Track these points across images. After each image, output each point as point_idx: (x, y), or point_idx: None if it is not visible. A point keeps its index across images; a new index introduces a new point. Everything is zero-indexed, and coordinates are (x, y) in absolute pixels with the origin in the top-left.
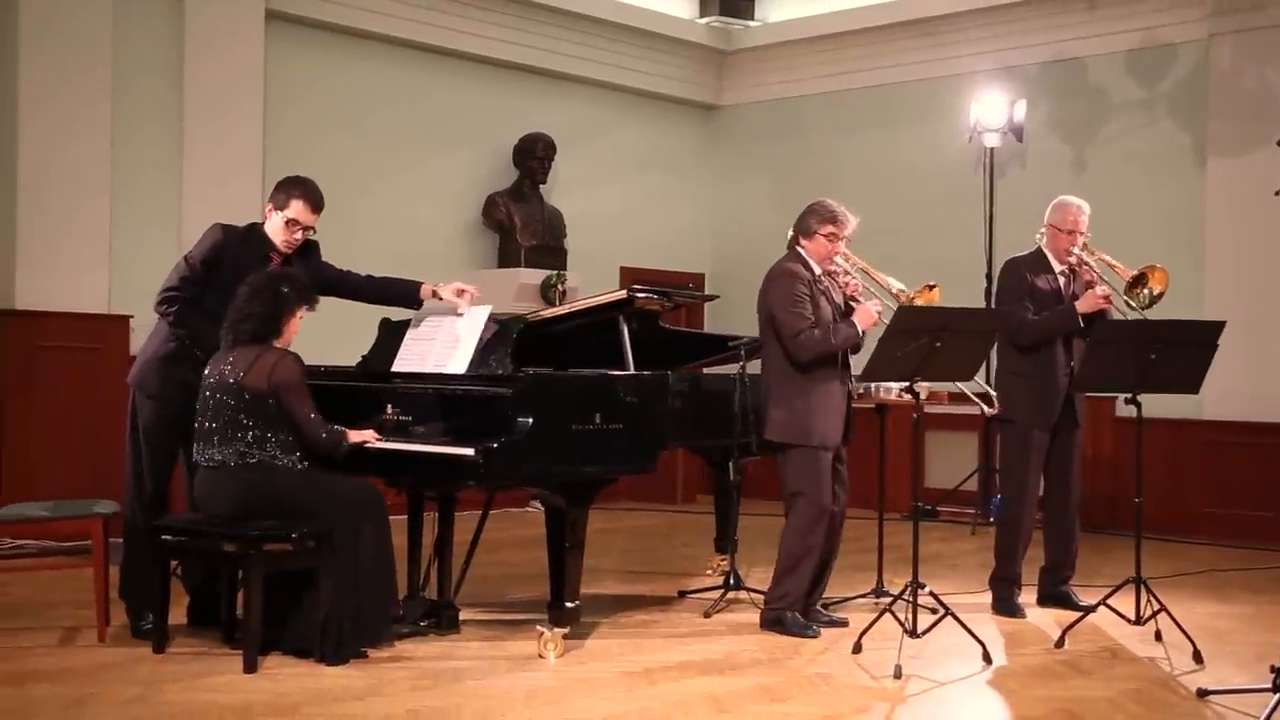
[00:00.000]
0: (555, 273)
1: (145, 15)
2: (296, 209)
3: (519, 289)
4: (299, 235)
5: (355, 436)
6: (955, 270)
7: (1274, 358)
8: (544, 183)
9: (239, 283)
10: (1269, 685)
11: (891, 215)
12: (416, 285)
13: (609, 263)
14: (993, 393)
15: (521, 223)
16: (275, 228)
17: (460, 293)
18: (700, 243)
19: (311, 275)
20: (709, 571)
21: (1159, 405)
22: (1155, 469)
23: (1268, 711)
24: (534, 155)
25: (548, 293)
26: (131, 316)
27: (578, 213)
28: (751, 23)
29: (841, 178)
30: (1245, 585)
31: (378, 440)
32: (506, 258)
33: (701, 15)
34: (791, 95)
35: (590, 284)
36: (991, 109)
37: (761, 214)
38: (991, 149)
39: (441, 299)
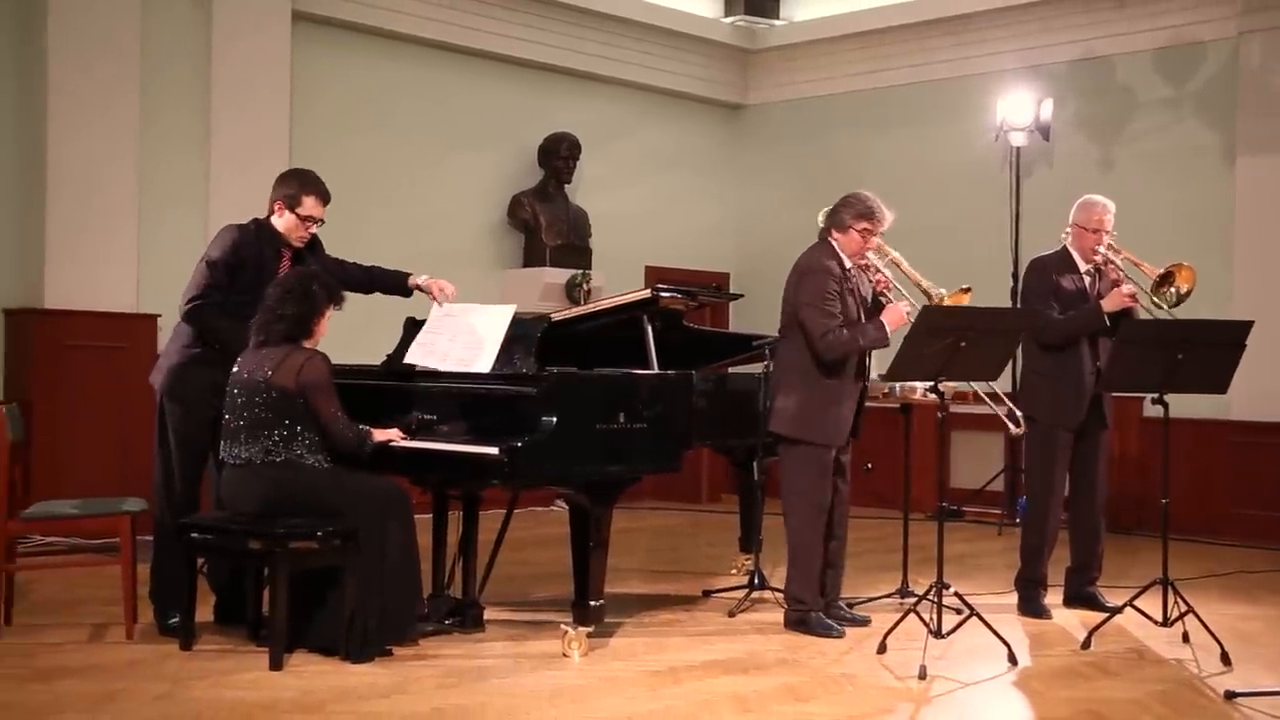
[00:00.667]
0: (580, 272)
1: (172, 16)
2: (310, 205)
3: (544, 288)
4: (313, 229)
5: (380, 435)
6: (981, 270)
7: None
8: (569, 182)
9: (260, 281)
10: None
11: (917, 214)
12: (405, 275)
13: (634, 262)
14: (1019, 412)
15: (546, 222)
16: (288, 224)
17: (441, 289)
18: (725, 242)
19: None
20: (734, 571)
21: (1186, 405)
22: (1182, 469)
23: None
24: (559, 155)
25: (573, 292)
26: (159, 315)
27: (603, 212)
28: (777, 21)
29: (866, 177)
30: (1274, 587)
31: (402, 439)
32: (532, 257)
33: (726, 14)
34: (817, 94)
35: (615, 283)
36: (1018, 108)
37: (786, 213)
38: (1018, 148)
39: (424, 290)
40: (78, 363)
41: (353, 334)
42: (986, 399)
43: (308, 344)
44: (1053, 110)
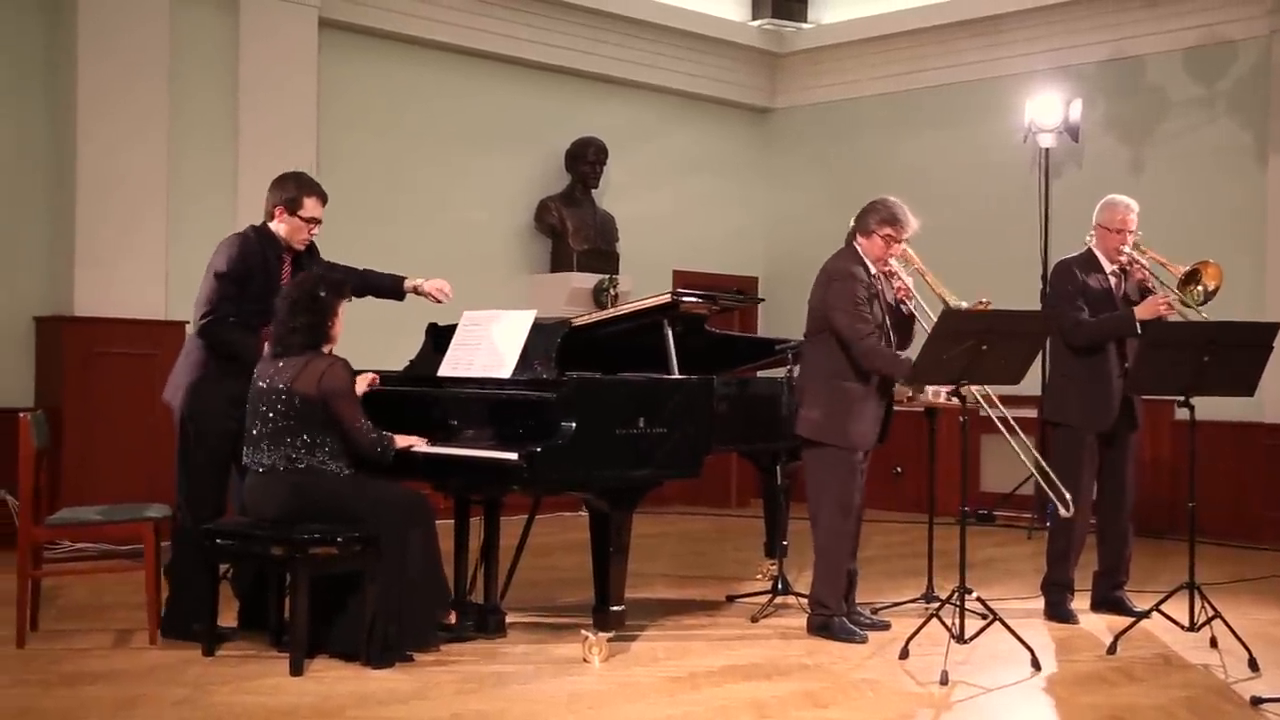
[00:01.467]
0: (607, 276)
1: (201, 26)
2: (311, 205)
3: (571, 293)
4: (315, 231)
5: (402, 442)
6: (1010, 272)
7: None
8: (595, 187)
9: (269, 289)
10: None
11: (946, 217)
12: (400, 278)
13: (662, 266)
14: (1068, 495)
15: (574, 227)
16: (290, 227)
17: (439, 289)
18: (753, 246)
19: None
20: (759, 576)
21: (1219, 408)
22: (1215, 473)
23: None
24: (585, 160)
25: (600, 296)
26: (188, 322)
27: (630, 216)
28: (804, 25)
29: (895, 179)
30: None
31: (423, 445)
32: (559, 262)
33: (754, 18)
34: (845, 97)
35: (643, 287)
36: (1046, 109)
37: (815, 217)
38: (1047, 149)
39: (422, 293)
40: (107, 369)
41: (378, 339)
42: (1039, 478)
43: (327, 348)
44: (1082, 111)
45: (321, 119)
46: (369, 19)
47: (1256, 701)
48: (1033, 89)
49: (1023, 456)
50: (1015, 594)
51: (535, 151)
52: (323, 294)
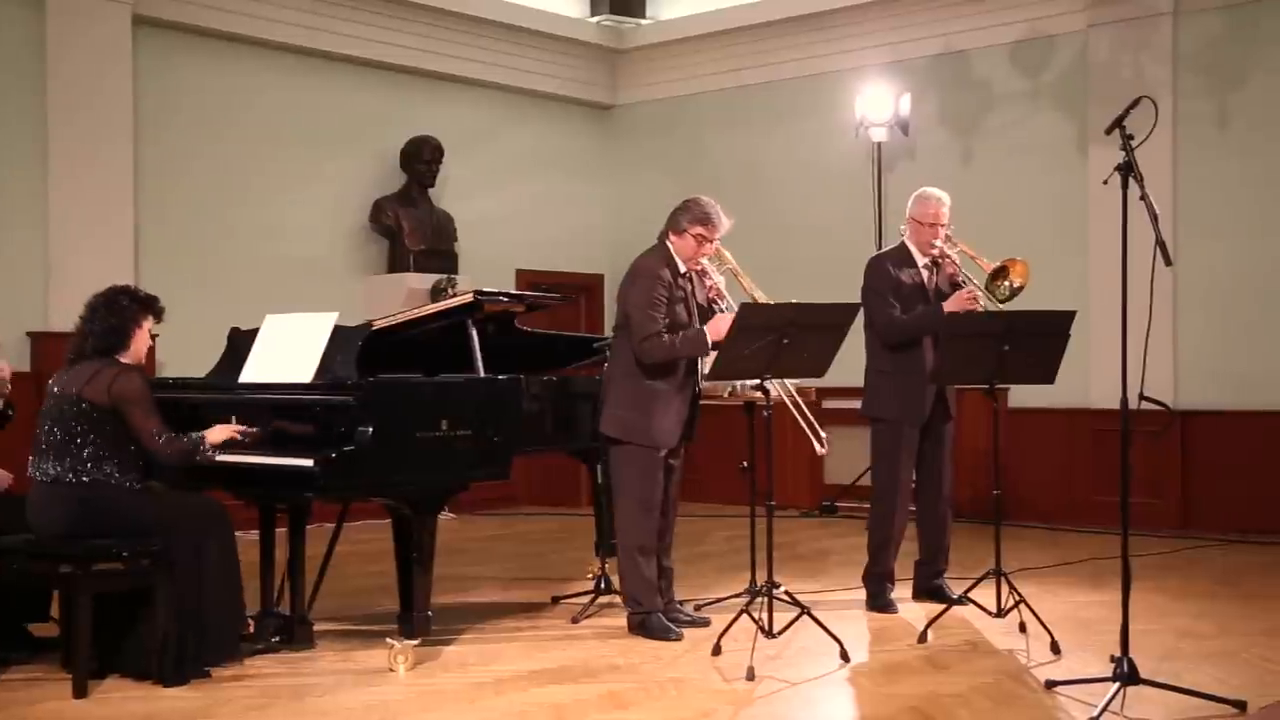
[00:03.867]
0: (445, 276)
1: (4, 25)
2: None
3: (408, 294)
4: None
5: (222, 433)
6: (846, 266)
7: (1152, 345)
8: (432, 186)
9: None
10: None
11: (785, 212)
12: None
13: (504, 265)
14: (823, 433)
15: (409, 227)
16: None
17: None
18: (599, 243)
19: None
20: (588, 576)
21: (1049, 395)
22: (1046, 459)
23: (1104, 702)
24: (421, 159)
25: (438, 297)
26: None
27: (472, 216)
28: (643, 20)
29: (734, 175)
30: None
31: (238, 432)
32: (396, 262)
33: (592, 14)
34: (685, 93)
35: (485, 287)
36: (876, 103)
37: (660, 213)
38: (879, 143)
39: None
40: None
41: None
42: (797, 415)
43: (125, 359)
44: (912, 105)
45: (140, 122)
46: (190, 16)
47: (1051, 685)
48: (866, 83)
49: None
50: (844, 585)
51: (370, 151)
52: (125, 302)
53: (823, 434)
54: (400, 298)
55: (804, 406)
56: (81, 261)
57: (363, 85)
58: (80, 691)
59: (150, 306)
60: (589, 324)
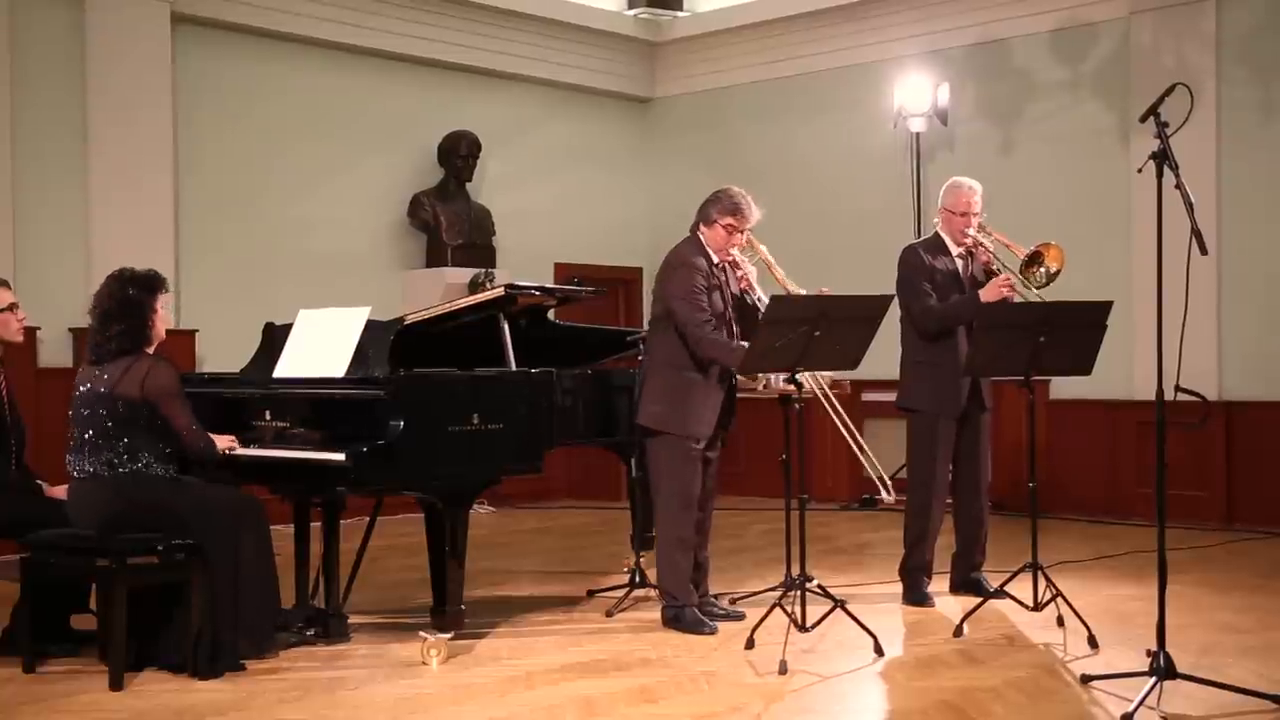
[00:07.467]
0: (483, 271)
1: (45, 25)
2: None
3: (446, 288)
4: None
5: (221, 443)
6: (886, 258)
7: (1194, 336)
8: (470, 181)
9: None
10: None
11: (823, 203)
12: None
13: (543, 259)
14: (888, 478)
15: (447, 222)
16: None
17: None
18: (637, 236)
19: None
20: (626, 570)
21: (1092, 386)
22: (1089, 451)
23: (1140, 696)
24: (459, 154)
25: (476, 291)
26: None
27: (510, 210)
28: (680, 13)
29: (772, 167)
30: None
31: (239, 447)
32: (434, 257)
33: (630, 7)
34: (722, 85)
35: (522, 281)
36: (915, 93)
37: (697, 206)
38: (917, 134)
39: None
40: None
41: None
42: (863, 461)
43: (150, 349)
44: (951, 95)
45: (180, 119)
46: (229, 13)
47: (1086, 679)
48: (903, 73)
49: (850, 440)
50: (882, 578)
51: (408, 146)
52: (132, 293)
53: (888, 481)
54: (439, 292)
55: (837, 405)
56: (122, 258)
57: (400, 80)
58: (116, 684)
59: (156, 287)
60: (628, 317)
